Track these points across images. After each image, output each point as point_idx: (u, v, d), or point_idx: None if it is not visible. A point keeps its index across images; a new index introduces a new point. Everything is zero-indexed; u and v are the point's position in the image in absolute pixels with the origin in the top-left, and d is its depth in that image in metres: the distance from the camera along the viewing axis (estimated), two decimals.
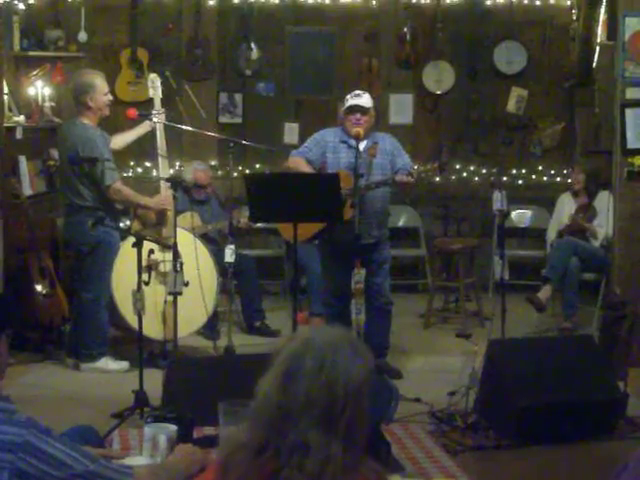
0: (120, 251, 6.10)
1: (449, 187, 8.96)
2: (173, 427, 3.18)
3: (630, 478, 2.25)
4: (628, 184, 6.45)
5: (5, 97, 7.09)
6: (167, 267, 5.96)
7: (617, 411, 5.02)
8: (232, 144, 6.47)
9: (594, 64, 8.15)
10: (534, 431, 4.76)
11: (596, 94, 8.26)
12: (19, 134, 7.18)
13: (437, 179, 8.63)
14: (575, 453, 4.69)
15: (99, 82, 6.19)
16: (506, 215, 6.16)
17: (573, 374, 5.01)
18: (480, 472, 4.36)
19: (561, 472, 4.50)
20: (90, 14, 8.53)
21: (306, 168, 6.01)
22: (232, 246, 6.18)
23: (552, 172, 8.99)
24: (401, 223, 8.79)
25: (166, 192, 6.15)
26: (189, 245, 6.10)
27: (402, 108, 8.94)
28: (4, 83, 7.02)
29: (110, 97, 6.30)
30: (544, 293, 7.18)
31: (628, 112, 6.38)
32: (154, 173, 8.28)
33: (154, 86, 6.44)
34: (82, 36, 8.45)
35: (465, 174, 9.01)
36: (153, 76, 6.51)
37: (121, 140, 6.49)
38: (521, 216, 8.75)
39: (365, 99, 5.96)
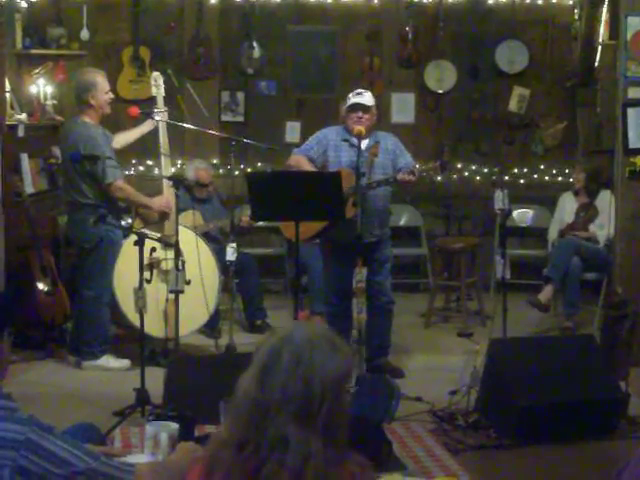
0: (122, 249, 6.10)
1: (451, 186, 8.96)
2: (174, 425, 3.19)
3: (631, 477, 2.26)
4: (630, 184, 6.44)
5: (7, 95, 7.10)
6: (169, 265, 5.97)
7: (618, 411, 5.02)
8: (234, 142, 6.47)
9: (596, 63, 8.14)
10: (535, 430, 4.76)
11: (598, 93, 8.26)
12: (21, 132, 7.19)
13: (439, 178, 8.64)
14: (576, 452, 4.69)
15: (101, 80, 6.20)
16: (507, 214, 6.15)
17: (574, 373, 5.01)
18: (481, 471, 4.36)
19: (562, 471, 4.50)
20: (92, 12, 8.54)
21: (308, 166, 6.01)
22: (234, 244, 6.18)
23: (554, 171, 8.99)
24: (403, 222, 8.79)
25: (168, 193, 6.16)
26: (191, 243, 6.10)
27: (404, 107, 8.95)
28: (6, 81, 7.03)
29: (111, 95, 6.31)
30: (545, 293, 7.18)
31: (630, 112, 6.38)
32: (156, 171, 8.28)
33: (157, 84, 6.43)
34: (84, 34, 8.46)
35: (467, 173, 9.01)
36: (156, 74, 6.51)
37: (124, 139, 6.50)
38: (522, 215, 8.75)
39: (367, 97, 5.96)
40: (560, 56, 8.88)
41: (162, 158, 6.40)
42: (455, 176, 8.97)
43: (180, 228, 5.78)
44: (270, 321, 7.29)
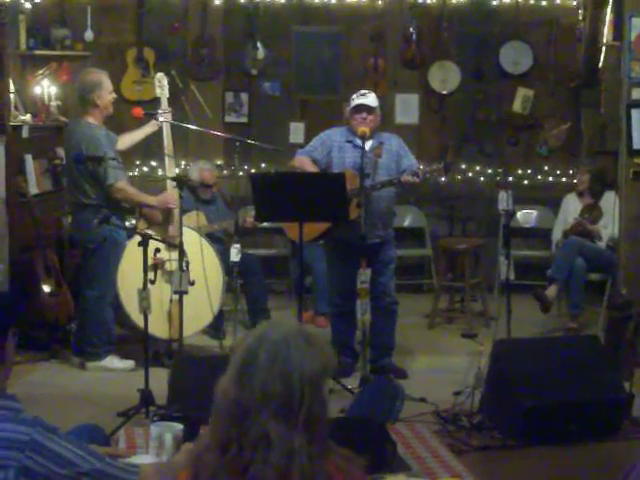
0: (126, 250, 6.11)
1: (455, 187, 8.96)
2: (179, 426, 3.19)
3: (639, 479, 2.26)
4: (634, 184, 6.44)
5: (11, 96, 7.10)
6: (173, 266, 5.97)
7: (622, 411, 5.02)
8: (238, 143, 6.47)
9: (600, 64, 8.14)
10: (539, 431, 4.75)
11: (602, 94, 8.25)
12: (25, 133, 7.20)
13: (443, 179, 8.64)
14: (580, 453, 4.69)
15: (105, 80, 6.22)
16: (512, 215, 6.15)
17: (578, 374, 5.01)
18: (485, 472, 4.35)
19: (566, 472, 4.49)
20: (96, 13, 8.53)
21: (311, 168, 6.01)
22: (238, 245, 6.17)
23: (558, 172, 8.99)
24: (407, 223, 8.79)
25: (172, 191, 6.16)
26: (195, 244, 6.11)
27: (408, 108, 8.94)
28: (10, 82, 7.04)
29: (114, 95, 6.32)
30: (550, 293, 7.18)
31: (634, 112, 6.38)
32: (160, 172, 8.29)
33: (161, 85, 6.44)
34: (88, 35, 8.46)
35: (471, 174, 9.01)
36: (160, 75, 6.52)
37: (128, 140, 6.50)
38: (527, 216, 8.75)
39: (371, 98, 5.96)
40: (564, 57, 8.86)
41: (166, 159, 6.40)
42: (459, 177, 8.97)
43: (184, 229, 5.78)
44: None
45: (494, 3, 8.81)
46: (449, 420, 5.03)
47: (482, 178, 8.99)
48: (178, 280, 5.53)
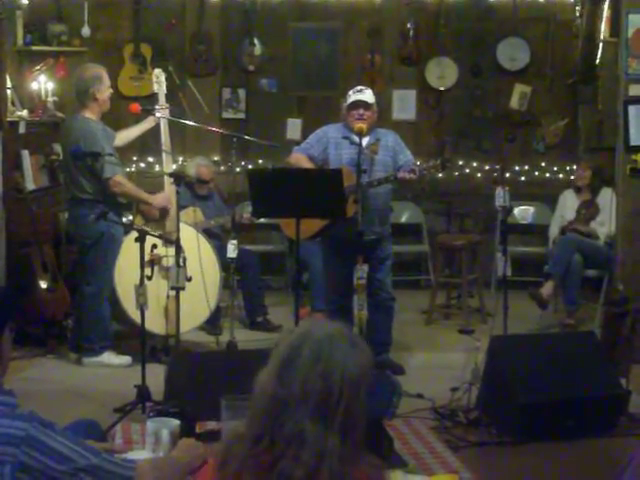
0: (123, 246, 6.11)
1: (452, 183, 8.96)
2: (175, 421, 3.20)
3: (634, 475, 2.26)
4: (631, 181, 6.45)
5: (8, 92, 7.10)
6: (170, 262, 5.96)
7: (619, 408, 5.02)
8: (235, 139, 6.46)
9: (597, 61, 8.14)
10: (536, 427, 4.75)
11: (599, 91, 8.25)
12: (22, 128, 7.19)
13: (440, 175, 8.64)
14: (577, 449, 4.69)
15: (105, 75, 6.22)
16: (509, 211, 6.14)
17: (575, 371, 5.01)
18: (482, 468, 4.36)
19: (563, 468, 4.49)
20: (93, 9, 8.53)
21: (307, 165, 6.00)
22: (234, 241, 6.18)
23: (555, 168, 9.00)
24: (404, 219, 8.80)
25: (169, 189, 6.16)
26: (192, 240, 6.11)
27: (405, 104, 8.95)
28: (7, 78, 7.03)
29: (111, 90, 6.32)
30: (546, 289, 7.19)
31: (631, 109, 6.38)
32: (157, 168, 8.29)
33: (159, 81, 6.43)
34: (85, 31, 8.46)
35: (468, 170, 9.01)
36: (158, 71, 6.51)
37: (126, 136, 6.49)
38: (524, 212, 8.72)
39: (368, 94, 5.96)
40: (561, 53, 8.88)
41: (164, 155, 6.40)
42: (456, 173, 8.98)
43: (181, 225, 5.78)
44: (271, 318, 7.30)
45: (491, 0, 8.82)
46: (446, 416, 5.03)
47: (479, 174, 8.99)
48: (175, 276, 5.52)
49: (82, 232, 6.19)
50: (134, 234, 5.35)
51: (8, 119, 6.87)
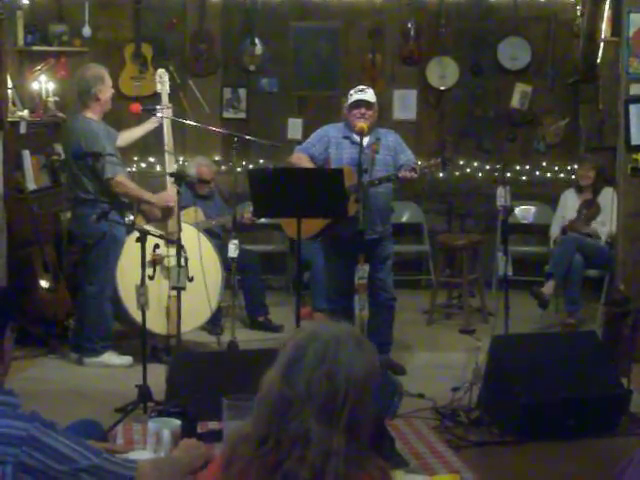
0: (125, 246, 6.10)
1: (453, 183, 8.96)
2: (177, 422, 3.19)
3: (635, 473, 2.26)
4: (632, 180, 6.44)
5: (9, 92, 7.09)
6: (171, 262, 5.97)
7: (620, 407, 5.02)
8: (236, 139, 6.46)
9: (598, 60, 8.14)
10: (537, 427, 4.75)
11: (600, 90, 8.25)
12: (23, 129, 7.19)
13: (441, 175, 8.64)
14: (578, 449, 4.69)
15: (106, 75, 6.22)
16: (510, 211, 6.14)
17: (576, 370, 5.01)
18: (483, 468, 4.35)
19: (564, 468, 4.49)
20: (94, 9, 8.53)
21: (308, 165, 6.00)
22: (236, 241, 6.18)
23: (556, 168, 8.99)
24: (405, 219, 8.79)
25: (171, 189, 6.15)
26: (193, 240, 6.10)
27: (406, 104, 8.94)
28: (8, 78, 7.03)
29: (113, 91, 6.32)
30: (547, 289, 7.19)
31: (632, 108, 6.37)
32: (158, 168, 8.29)
33: (162, 81, 6.44)
34: (86, 31, 8.46)
35: (469, 170, 9.01)
36: (161, 71, 6.52)
37: (129, 136, 6.49)
38: (525, 212, 8.75)
39: (369, 94, 5.95)
40: (562, 53, 8.87)
41: (166, 155, 6.39)
42: (457, 173, 8.97)
43: (183, 225, 5.78)
44: (272, 318, 7.29)
45: None
46: (447, 416, 5.03)
47: (480, 174, 8.99)
48: (176, 276, 5.52)
49: (84, 232, 6.18)
50: (136, 234, 5.35)
51: (9, 119, 6.87)
